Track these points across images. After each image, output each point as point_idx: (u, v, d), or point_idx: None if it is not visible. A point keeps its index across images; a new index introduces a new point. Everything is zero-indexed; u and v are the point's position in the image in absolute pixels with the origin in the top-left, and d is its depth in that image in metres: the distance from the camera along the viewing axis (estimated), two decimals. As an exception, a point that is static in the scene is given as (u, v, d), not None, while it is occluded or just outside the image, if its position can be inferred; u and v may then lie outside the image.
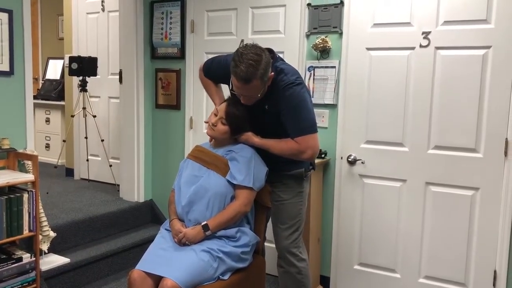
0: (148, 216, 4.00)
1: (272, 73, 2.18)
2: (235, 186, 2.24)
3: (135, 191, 3.99)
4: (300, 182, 2.42)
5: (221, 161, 2.29)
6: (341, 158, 3.07)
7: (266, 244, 2.62)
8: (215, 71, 2.47)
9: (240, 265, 2.24)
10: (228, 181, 2.24)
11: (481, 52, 2.63)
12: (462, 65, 2.67)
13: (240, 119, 2.29)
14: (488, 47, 2.60)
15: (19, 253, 2.71)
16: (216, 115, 2.32)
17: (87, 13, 4.77)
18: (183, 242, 2.17)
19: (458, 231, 2.76)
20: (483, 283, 2.72)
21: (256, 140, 2.31)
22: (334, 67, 3.05)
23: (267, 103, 2.27)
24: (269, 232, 2.54)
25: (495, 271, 2.69)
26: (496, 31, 2.58)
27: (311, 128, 2.23)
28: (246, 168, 2.23)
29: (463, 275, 2.77)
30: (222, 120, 2.29)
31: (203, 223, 2.18)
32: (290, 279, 2.42)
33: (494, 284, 2.69)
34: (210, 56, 3.53)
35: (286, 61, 2.39)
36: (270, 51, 2.26)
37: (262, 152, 2.32)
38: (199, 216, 2.21)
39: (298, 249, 2.41)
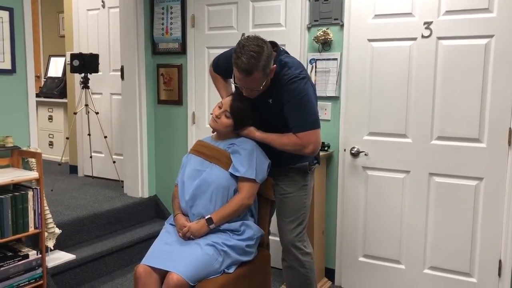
0: (153, 211, 4.01)
1: (275, 65, 2.18)
2: (238, 179, 2.25)
3: (139, 187, 4.00)
4: (305, 176, 2.41)
5: (223, 154, 2.29)
6: (344, 150, 3.07)
7: (270, 237, 2.63)
8: (222, 66, 2.47)
9: (245, 258, 2.25)
10: (231, 174, 2.24)
11: (484, 41, 2.61)
12: (465, 55, 2.66)
13: (244, 113, 2.30)
14: (491, 36, 2.59)
15: (25, 250, 2.72)
16: (220, 107, 2.32)
17: (88, 10, 4.77)
18: (187, 236, 2.18)
19: (462, 221, 2.76)
20: (488, 273, 2.72)
21: (258, 134, 2.31)
22: (336, 59, 3.04)
23: (271, 97, 2.26)
24: (274, 226, 2.55)
25: (500, 261, 2.69)
26: (498, 20, 2.56)
27: (313, 123, 2.23)
28: (248, 160, 2.24)
29: (468, 265, 2.77)
30: (226, 113, 2.29)
31: (206, 217, 2.19)
32: (293, 273, 2.43)
33: (499, 274, 2.69)
34: (211, 50, 3.57)
35: (288, 54, 2.38)
36: (274, 44, 2.25)
37: (266, 146, 2.32)
38: (202, 210, 2.22)
39: (302, 243, 2.41)
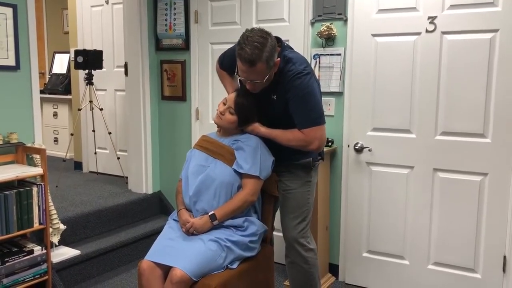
0: (157, 207, 4.02)
1: (279, 59, 2.17)
2: (242, 176, 2.25)
3: (143, 183, 4.01)
4: (308, 172, 2.41)
5: (228, 150, 2.29)
6: (348, 146, 3.06)
7: (274, 233, 2.63)
8: (228, 61, 2.46)
9: (248, 254, 2.25)
10: (235, 171, 2.24)
11: (488, 35, 2.59)
12: (469, 50, 2.64)
13: (248, 109, 2.29)
14: (496, 31, 2.57)
15: (30, 246, 2.74)
16: (225, 104, 2.32)
17: (91, 6, 4.77)
18: (190, 232, 2.18)
19: (467, 216, 2.75)
20: (492, 269, 2.71)
21: (263, 130, 2.31)
22: (340, 54, 3.03)
23: (276, 93, 2.25)
24: (277, 221, 2.55)
25: (504, 257, 2.67)
26: (503, 14, 2.54)
27: (318, 119, 2.22)
28: (252, 157, 2.23)
29: (473, 261, 2.76)
30: (230, 110, 2.29)
31: (210, 213, 2.19)
32: (296, 269, 2.42)
33: (504, 270, 2.68)
34: (215, 46, 3.57)
35: (292, 50, 2.37)
36: (278, 39, 2.24)
37: (270, 142, 2.32)
38: (206, 206, 2.22)
39: (305, 239, 2.40)
